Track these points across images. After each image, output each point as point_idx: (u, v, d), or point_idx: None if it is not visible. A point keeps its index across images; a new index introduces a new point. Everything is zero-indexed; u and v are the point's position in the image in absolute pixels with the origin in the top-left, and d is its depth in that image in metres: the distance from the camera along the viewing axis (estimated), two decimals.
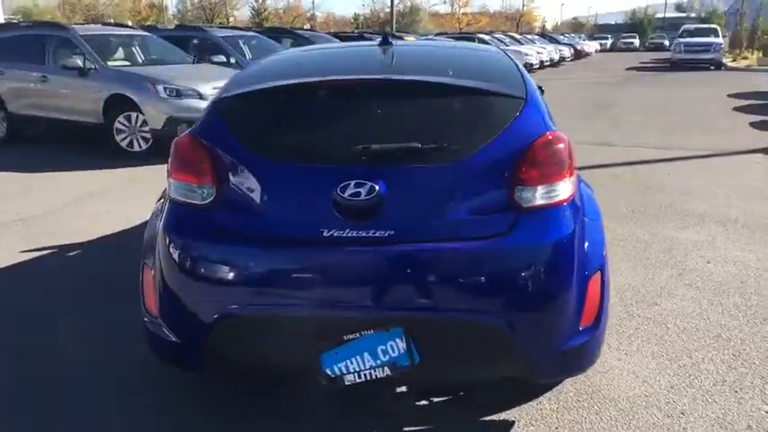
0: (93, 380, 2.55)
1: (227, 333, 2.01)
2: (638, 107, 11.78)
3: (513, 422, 2.23)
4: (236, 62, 9.86)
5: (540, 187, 1.97)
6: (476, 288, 1.92)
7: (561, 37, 37.73)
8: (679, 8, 79.79)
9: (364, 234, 1.91)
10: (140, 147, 7.47)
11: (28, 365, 2.67)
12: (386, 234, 1.91)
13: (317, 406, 2.24)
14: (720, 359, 2.65)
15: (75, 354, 2.75)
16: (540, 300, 1.95)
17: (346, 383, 1.96)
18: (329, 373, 1.96)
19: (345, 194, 1.92)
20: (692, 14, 72.90)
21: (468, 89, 2.16)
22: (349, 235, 1.91)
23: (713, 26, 24.87)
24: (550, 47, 27.67)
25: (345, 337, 1.96)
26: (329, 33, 15.62)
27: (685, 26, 25.93)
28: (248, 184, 2.03)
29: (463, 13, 52.30)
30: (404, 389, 2.30)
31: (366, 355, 1.95)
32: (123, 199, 5.44)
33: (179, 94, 7.31)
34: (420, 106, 2.13)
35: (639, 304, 3.19)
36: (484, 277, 1.91)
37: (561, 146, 2.03)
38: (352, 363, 1.95)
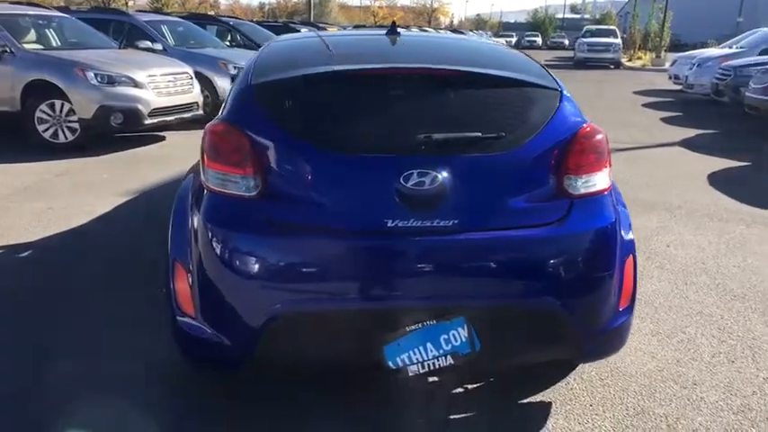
0: None
1: (282, 330, 1.93)
2: None
3: (550, 403, 2.32)
4: (164, 48, 9.34)
5: (586, 176, 2.05)
6: (536, 274, 1.97)
7: (471, 33, 38.86)
8: (574, 9, 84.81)
9: (429, 224, 1.90)
10: (66, 138, 6.89)
11: None
12: (450, 223, 1.91)
13: (363, 395, 2.21)
14: (710, 333, 2.89)
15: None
16: (593, 283, 2.04)
17: (410, 374, 1.94)
18: (392, 365, 1.94)
19: (409, 184, 1.90)
20: (587, 16, 77.73)
21: (513, 80, 2.20)
22: (413, 225, 1.90)
23: (612, 27, 26.72)
24: None
25: (408, 328, 1.94)
26: (252, 22, 15.12)
27: (587, 27, 27.64)
28: (300, 174, 1.96)
29: (379, 6, 52.56)
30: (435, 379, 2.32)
31: (429, 345, 1.95)
32: (61, 195, 5.02)
33: (111, 81, 6.82)
34: (472, 96, 2.15)
35: None
36: (543, 263, 1.97)
37: (601, 136, 2.13)
38: (415, 353, 1.94)
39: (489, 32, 52.33)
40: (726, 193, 5.45)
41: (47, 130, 6.84)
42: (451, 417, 2.24)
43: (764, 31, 12.64)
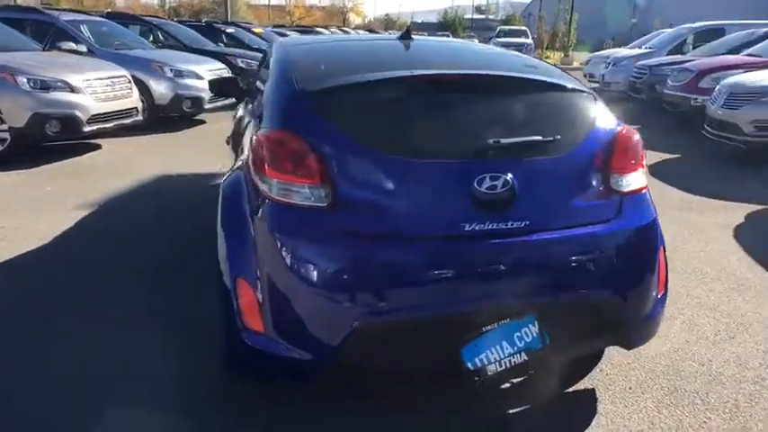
0: None
1: (363, 339, 1.92)
2: None
3: (593, 389, 2.45)
4: (89, 50, 8.76)
5: (629, 175, 2.19)
6: (598, 269, 2.08)
7: (386, 33, 39.32)
8: (479, 10, 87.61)
9: (503, 226, 1.96)
10: None
11: None
12: (522, 225, 1.98)
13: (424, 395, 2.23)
14: (704, 314, 3.15)
15: None
16: (643, 274, 2.18)
17: (489, 374, 1.99)
18: (470, 366, 1.98)
19: (483, 188, 1.95)
20: (491, 16, 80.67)
21: (558, 85, 2.30)
22: (488, 228, 1.95)
23: (524, 28, 28.00)
24: None
25: (484, 329, 2.00)
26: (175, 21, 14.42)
27: (500, 27, 28.81)
28: (372, 181, 1.96)
29: (295, 6, 51.70)
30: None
31: (504, 343, 2.01)
32: (10, 212, 4.61)
33: (46, 86, 6.33)
34: (525, 101, 2.23)
35: None
36: (604, 258, 2.09)
37: (637, 137, 2.28)
38: (492, 353, 2.00)
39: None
40: (670, 184, 5.89)
41: None
42: (510, 411, 2.31)
43: (670, 33, 13.75)
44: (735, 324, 3.04)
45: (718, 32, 12.12)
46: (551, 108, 2.24)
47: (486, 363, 1.99)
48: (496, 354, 2.00)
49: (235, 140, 4.18)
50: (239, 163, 2.47)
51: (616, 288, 2.11)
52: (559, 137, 2.11)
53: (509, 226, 1.97)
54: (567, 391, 2.44)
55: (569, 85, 2.32)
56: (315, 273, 1.91)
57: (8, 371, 2.50)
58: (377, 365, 2.03)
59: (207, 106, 9.03)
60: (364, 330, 1.90)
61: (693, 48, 11.82)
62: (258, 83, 3.16)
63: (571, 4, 26.34)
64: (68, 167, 6.24)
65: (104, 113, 6.86)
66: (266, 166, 2.00)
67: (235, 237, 2.11)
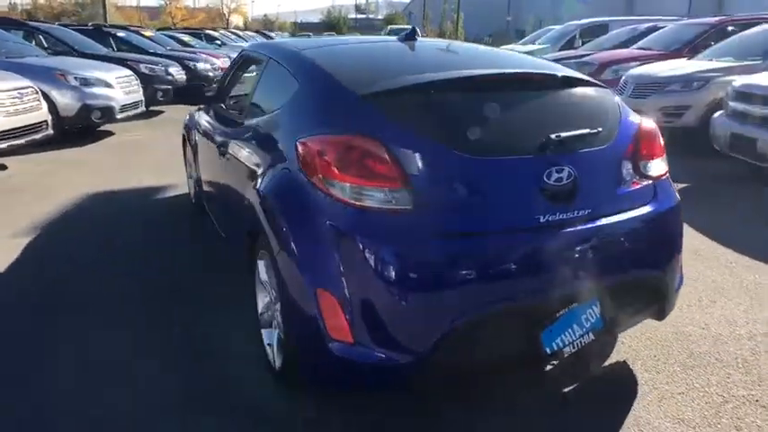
0: None
1: (458, 339, 1.95)
2: None
3: (625, 361, 2.65)
4: None
5: (656, 161, 2.40)
6: (645, 248, 2.27)
7: (273, 34, 38.71)
8: (358, 9, 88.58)
9: (571, 215, 2.08)
10: None
11: None
12: (585, 213, 2.11)
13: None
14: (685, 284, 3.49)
15: None
16: (676, 251, 2.40)
17: (566, 356, 2.11)
18: (548, 350, 2.08)
19: (551, 181, 2.05)
20: (371, 15, 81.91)
21: (586, 81, 2.46)
22: (559, 218, 2.06)
23: (414, 27, 28.59)
24: None
25: (557, 314, 2.10)
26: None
27: (391, 27, 29.32)
28: (450, 181, 1.99)
29: (177, 8, 48.95)
30: None
31: (575, 326, 2.13)
32: None
33: None
34: (568, 97, 2.36)
35: None
36: (649, 238, 2.28)
37: (656, 126, 2.49)
38: (566, 336, 2.11)
39: (285, 33, 52.36)
40: None
41: None
42: (565, 390, 2.44)
43: (558, 30, 14.80)
44: (711, 291, 3.40)
45: (602, 28, 13.26)
46: (589, 102, 2.40)
47: (562, 346, 2.10)
48: (569, 336, 2.12)
49: (204, 150, 3.99)
50: (274, 170, 2.38)
51: (659, 265, 2.31)
52: (601, 129, 2.26)
53: (575, 215, 2.09)
54: (604, 365, 2.62)
55: (592, 81, 2.49)
56: (410, 275, 1.91)
57: None
58: (468, 362, 2.07)
59: (119, 116, 8.44)
60: (459, 327, 1.93)
61: (582, 44, 12.82)
62: (259, 90, 3.03)
63: (457, 2, 27.45)
64: None
65: (14, 129, 6.22)
66: (339, 172, 1.97)
67: (307, 251, 2.05)
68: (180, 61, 12.11)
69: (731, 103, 5.74)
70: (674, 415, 2.27)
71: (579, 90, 2.42)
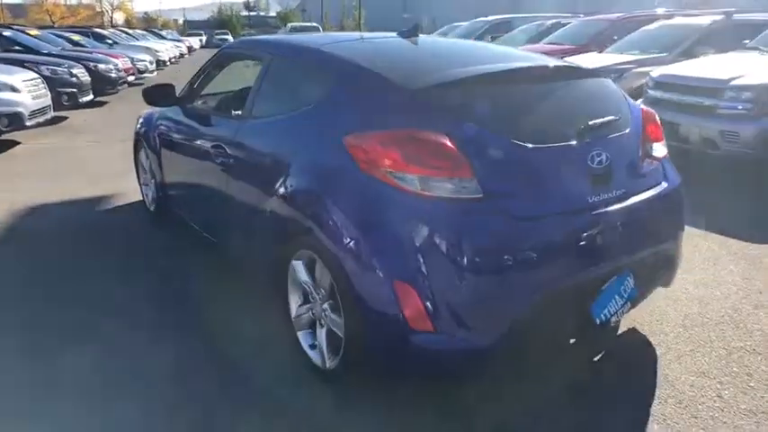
0: None
1: (529, 319, 2.06)
2: None
3: (634, 328, 2.89)
4: None
5: (660, 143, 2.65)
6: (665, 221, 2.52)
7: (165, 33, 36.96)
8: (247, 7, 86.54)
9: (610, 195, 2.27)
10: None
11: None
12: (621, 192, 2.31)
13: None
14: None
15: None
16: (683, 222, 2.66)
17: (612, 325, 2.30)
18: (597, 321, 2.26)
19: (594, 164, 2.22)
20: (262, 12, 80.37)
21: (593, 71, 2.66)
22: (603, 197, 2.24)
23: (315, 24, 28.59)
24: (169, 44, 27.05)
25: (602, 287, 2.28)
26: None
27: (292, 24, 29.01)
28: (511, 169, 2.10)
29: (55, 5, 44.72)
30: None
31: (616, 297, 2.32)
32: None
33: None
34: (589, 86, 2.54)
35: None
36: (667, 212, 2.53)
37: (653, 110, 2.75)
38: (611, 306, 2.30)
39: (174, 31, 50.10)
40: None
41: None
42: (595, 359, 2.63)
43: (466, 26, 15.40)
44: (701, 259, 3.75)
45: (506, 25, 13.96)
46: (606, 91, 2.60)
47: (609, 316, 2.28)
48: (614, 306, 2.30)
49: (181, 153, 3.81)
50: (315, 167, 2.37)
51: (674, 236, 2.57)
52: (621, 115, 2.47)
53: (613, 194, 2.28)
54: (625, 341, 2.83)
55: (597, 71, 2.71)
56: (487, 260, 2.00)
57: None
58: (537, 339, 2.20)
59: (28, 123, 7.75)
60: (533, 305, 2.05)
61: (492, 39, 13.43)
62: (266, 88, 2.94)
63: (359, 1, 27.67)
64: None
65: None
66: (409, 165, 2.02)
67: (377, 241, 2.07)
68: (79, 62, 11.29)
69: (650, 92, 6.31)
70: (695, 369, 2.54)
71: (597, 80, 2.61)
